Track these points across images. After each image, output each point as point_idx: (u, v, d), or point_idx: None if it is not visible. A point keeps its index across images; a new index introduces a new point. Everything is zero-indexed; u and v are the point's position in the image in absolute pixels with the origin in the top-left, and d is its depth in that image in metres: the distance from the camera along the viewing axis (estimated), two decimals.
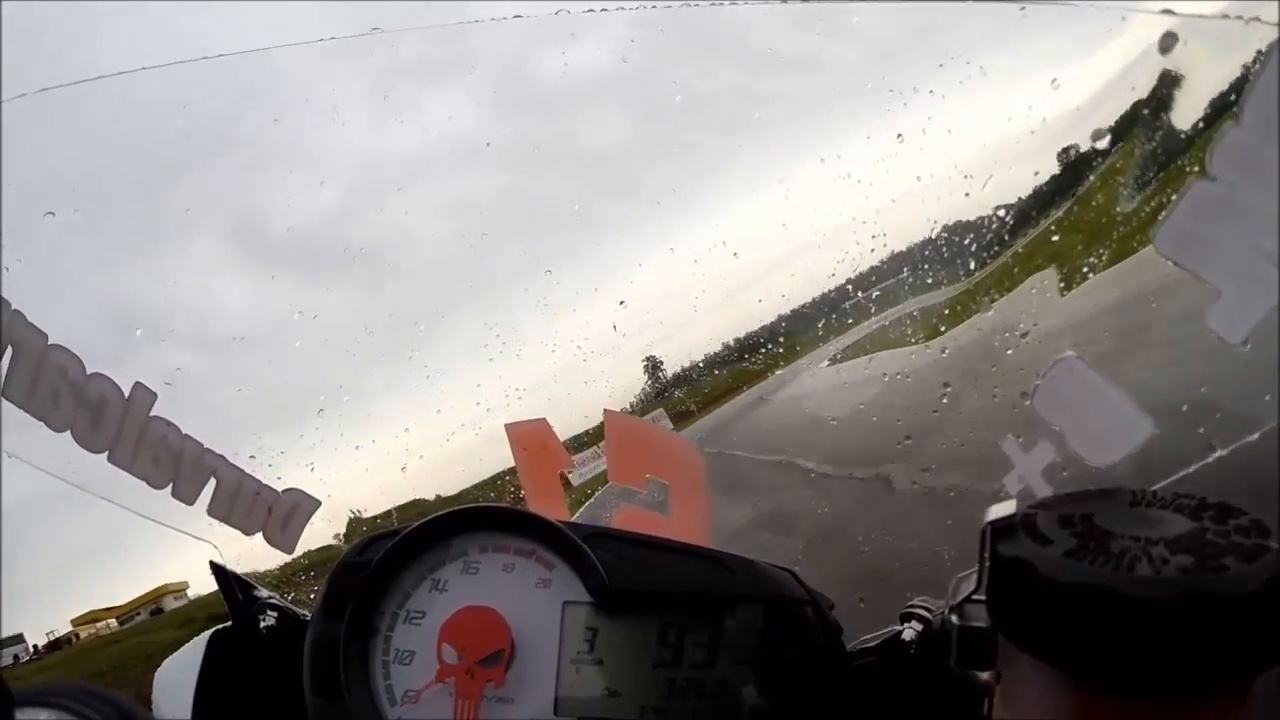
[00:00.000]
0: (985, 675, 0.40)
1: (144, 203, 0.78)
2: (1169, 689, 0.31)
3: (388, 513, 0.77)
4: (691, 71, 0.72)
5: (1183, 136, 0.50)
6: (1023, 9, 0.51)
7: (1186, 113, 0.50)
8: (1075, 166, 0.58)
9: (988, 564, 0.37)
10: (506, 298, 0.90)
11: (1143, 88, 0.53)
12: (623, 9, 0.57)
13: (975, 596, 0.41)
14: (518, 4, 0.60)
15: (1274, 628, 0.30)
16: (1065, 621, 0.32)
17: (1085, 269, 0.59)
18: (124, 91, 0.68)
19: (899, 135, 0.63)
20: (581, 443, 0.69)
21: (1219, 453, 0.47)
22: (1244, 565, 0.30)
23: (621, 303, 0.73)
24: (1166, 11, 0.46)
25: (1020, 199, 0.61)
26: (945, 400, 0.73)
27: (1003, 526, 0.37)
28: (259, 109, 0.76)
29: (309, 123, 0.79)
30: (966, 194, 0.61)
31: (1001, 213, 0.61)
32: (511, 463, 0.66)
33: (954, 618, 0.41)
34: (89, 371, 0.61)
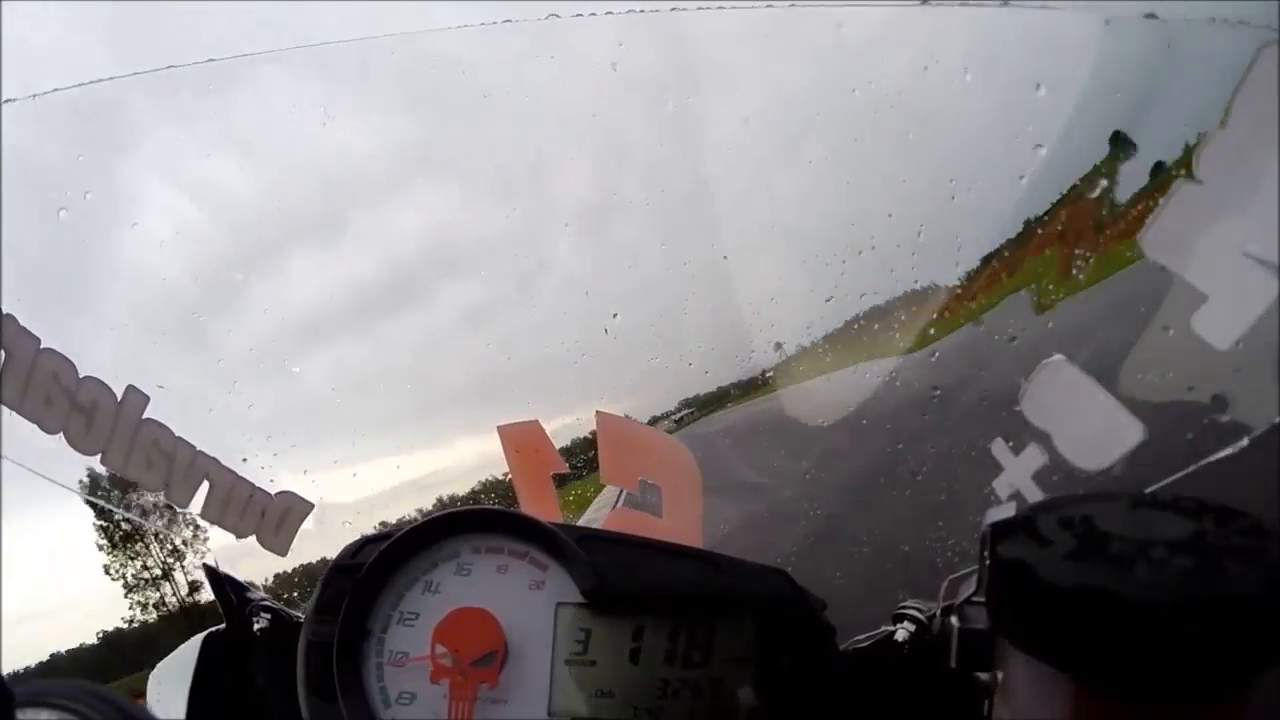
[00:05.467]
0: (985, 676, 0.40)
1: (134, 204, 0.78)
2: (1169, 691, 0.31)
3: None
4: None
5: (1169, 140, 0.50)
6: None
7: (1173, 116, 0.51)
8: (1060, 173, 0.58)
9: (988, 566, 0.37)
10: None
11: (1128, 91, 0.53)
12: None
13: (975, 598, 0.41)
14: None
15: (1274, 630, 0.30)
16: (1065, 623, 0.32)
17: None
18: (119, 94, 0.68)
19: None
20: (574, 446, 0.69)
21: (1216, 455, 0.47)
22: (1244, 567, 0.30)
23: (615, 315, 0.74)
24: (1151, 15, 0.46)
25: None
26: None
27: (1003, 528, 0.37)
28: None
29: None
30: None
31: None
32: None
33: (953, 619, 0.41)
34: (81, 375, 0.61)
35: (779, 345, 0.78)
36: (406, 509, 0.81)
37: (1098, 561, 0.32)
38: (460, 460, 0.86)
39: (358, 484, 0.77)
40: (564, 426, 0.68)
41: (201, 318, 0.79)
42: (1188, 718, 0.32)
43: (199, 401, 0.72)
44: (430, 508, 0.80)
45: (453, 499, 0.82)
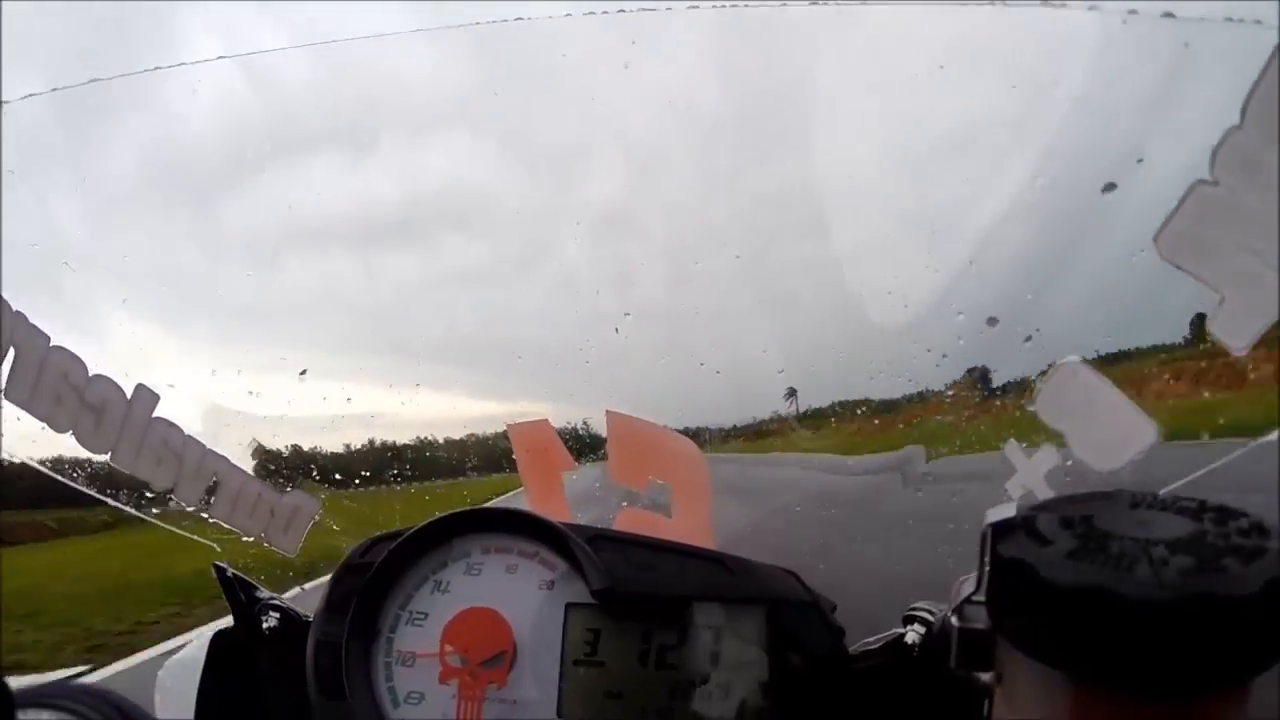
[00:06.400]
0: (985, 676, 0.40)
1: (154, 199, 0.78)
2: (1168, 690, 0.31)
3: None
4: None
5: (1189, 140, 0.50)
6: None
7: (1189, 117, 0.51)
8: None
9: (988, 565, 0.37)
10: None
11: (1144, 90, 0.53)
12: None
13: (975, 598, 0.41)
14: None
15: (1273, 629, 0.30)
16: (1065, 622, 0.32)
17: None
18: (123, 92, 0.68)
19: None
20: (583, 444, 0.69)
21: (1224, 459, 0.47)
22: (1243, 567, 0.30)
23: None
24: (1168, 15, 0.46)
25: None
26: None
27: (1003, 528, 0.37)
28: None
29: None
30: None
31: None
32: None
33: (954, 619, 0.41)
34: (91, 373, 0.61)
35: (791, 393, 0.78)
36: (334, 441, 0.80)
37: (1097, 561, 0.32)
38: (415, 413, 0.84)
39: (301, 400, 0.75)
40: (569, 424, 0.68)
41: (211, 188, 0.78)
42: (1188, 717, 0.32)
43: (177, 274, 0.72)
44: (360, 446, 0.80)
45: (381, 444, 0.81)
